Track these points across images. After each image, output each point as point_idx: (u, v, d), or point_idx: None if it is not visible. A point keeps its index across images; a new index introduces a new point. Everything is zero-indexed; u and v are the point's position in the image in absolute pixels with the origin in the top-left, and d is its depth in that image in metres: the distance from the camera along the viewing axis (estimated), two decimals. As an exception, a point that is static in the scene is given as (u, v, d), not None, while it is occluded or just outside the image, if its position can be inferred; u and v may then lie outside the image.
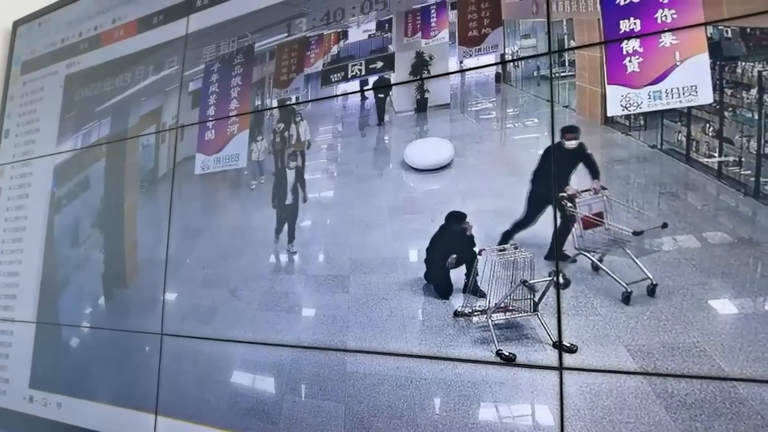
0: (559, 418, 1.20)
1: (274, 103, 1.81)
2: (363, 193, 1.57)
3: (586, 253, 1.27)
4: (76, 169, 2.34)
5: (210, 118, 1.94)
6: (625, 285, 1.20)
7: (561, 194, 1.28)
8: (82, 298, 2.16)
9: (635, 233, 1.21)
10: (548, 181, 1.30)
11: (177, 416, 1.77)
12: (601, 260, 1.25)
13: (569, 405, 1.19)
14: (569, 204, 1.28)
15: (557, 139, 1.31)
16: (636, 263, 1.20)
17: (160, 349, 1.87)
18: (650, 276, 1.18)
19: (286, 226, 1.69)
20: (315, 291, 1.58)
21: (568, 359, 1.21)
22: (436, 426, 1.32)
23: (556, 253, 1.27)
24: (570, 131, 1.30)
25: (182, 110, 2.04)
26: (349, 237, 1.56)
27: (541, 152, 1.33)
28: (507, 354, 1.27)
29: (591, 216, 1.27)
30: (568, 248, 1.29)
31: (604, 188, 1.25)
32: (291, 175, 1.72)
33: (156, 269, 1.95)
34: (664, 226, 1.18)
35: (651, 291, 1.18)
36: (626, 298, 1.20)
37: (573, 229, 1.28)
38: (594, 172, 1.27)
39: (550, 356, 1.23)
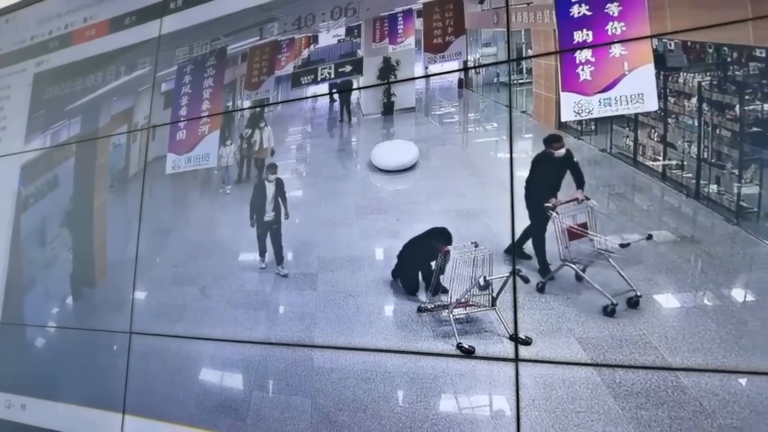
0: (515, 407, 1.25)
1: (246, 105, 1.84)
2: (331, 192, 1.61)
3: (571, 265, 1.31)
4: (44, 168, 2.32)
5: (182, 119, 1.96)
6: (610, 297, 1.23)
7: (546, 204, 1.33)
8: (49, 297, 2.14)
9: (622, 245, 1.24)
10: (541, 188, 1.34)
11: (145, 415, 1.77)
12: (583, 271, 1.29)
13: (525, 395, 1.25)
14: (555, 214, 1.32)
15: (542, 148, 1.35)
16: (621, 275, 1.23)
17: (128, 347, 1.87)
18: (635, 288, 1.21)
19: (270, 246, 1.67)
20: (284, 289, 1.61)
21: (524, 351, 1.27)
22: (399, 418, 1.36)
23: (513, 250, 1.33)
24: (555, 140, 1.34)
25: (154, 110, 2.05)
26: (317, 236, 1.60)
27: (503, 156, 1.39)
28: (467, 347, 1.33)
29: (576, 227, 1.32)
30: (554, 260, 1.32)
31: (587, 198, 1.30)
32: (270, 189, 1.72)
33: (125, 268, 1.95)
34: (649, 237, 1.22)
35: (634, 303, 1.21)
36: (611, 312, 1.22)
37: (558, 240, 1.32)
38: (579, 182, 1.31)
39: (507, 349, 1.29)
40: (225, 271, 1.73)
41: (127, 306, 1.91)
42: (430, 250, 1.42)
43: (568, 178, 1.33)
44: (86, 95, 2.26)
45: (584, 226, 1.30)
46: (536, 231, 1.33)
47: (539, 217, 1.33)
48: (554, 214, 1.32)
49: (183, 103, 1.97)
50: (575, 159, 1.32)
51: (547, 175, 1.34)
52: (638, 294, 1.20)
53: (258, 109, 1.81)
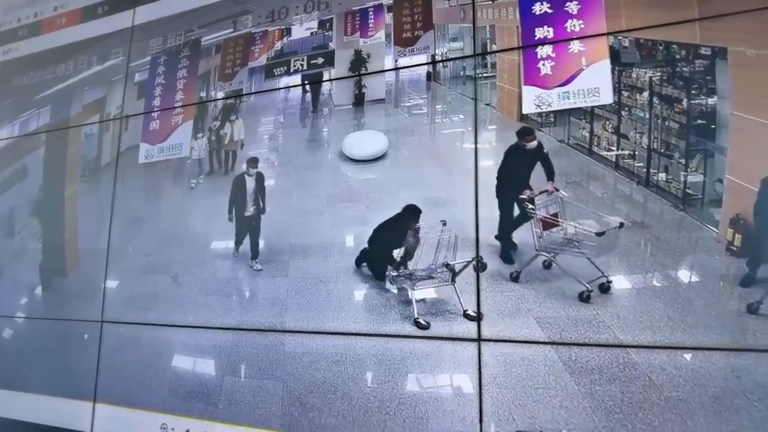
0: (477, 385, 1.31)
1: (219, 95, 1.86)
2: (303, 182, 1.65)
3: (545, 254, 1.37)
4: (12, 158, 2.29)
5: (155, 109, 1.96)
6: (586, 284, 1.28)
7: (521, 196, 1.39)
8: (17, 288, 2.11)
9: (598, 234, 1.30)
10: (512, 179, 1.40)
11: (116, 402, 1.77)
12: (554, 259, 1.35)
13: (486, 373, 1.31)
14: (530, 206, 1.38)
15: (514, 140, 1.41)
16: (591, 262, 1.29)
17: (99, 336, 1.87)
18: (605, 274, 1.27)
19: (248, 239, 1.69)
20: (256, 275, 1.64)
21: (486, 331, 1.33)
22: (368, 398, 1.41)
23: (477, 236, 1.39)
24: (528, 133, 1.40)
25: (127, 100, 2.05)
26: (289, 224, 1.63)
27: (469, 146, 1.45)
28: (423, 322, 1.39)
29: (549, 217, 1.38)
30: (530, 249, 1.38)
31: (556, 189, 1.37)
32: (251, 183, 1.72)
33: (97, 257, 1.94)
34: (621, 226, 1.28)
35: (606, 288, 1.26)
36: (587, 298, 1.27)
37: (533, 231, 1.38)
38: (549, 173, 1.37)
39: (470, 329, 1.35)
40: (197, 259, 1.75)
41: (99, 295, 1.90)
42: (402, 228, 1.47)
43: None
44: (56, 85, 2.24)
45: (556, 216, 1.37)
46: (504, 219, 1.39)
47: (508, 207, 1.39)
48: (531, 206, 1.37)
49: (156, 93, 1.98)
50: (545, 151, 1.39)
51: (519, 167, 1.40)
52: (609, 280, 1.26)
53: (229, 102, 1.83)
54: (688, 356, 1.17)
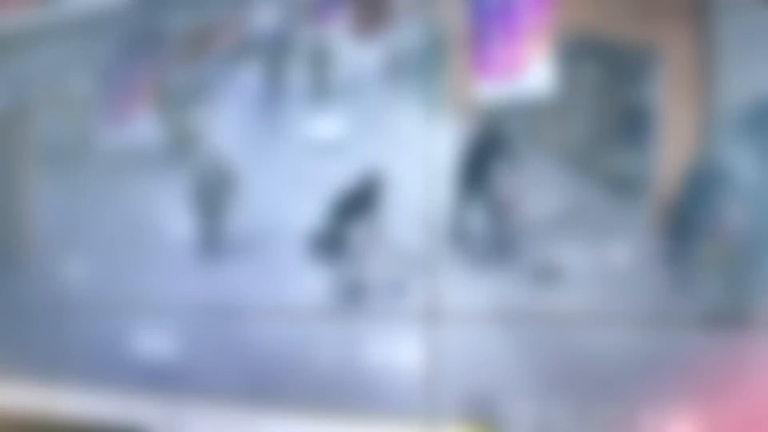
0: (428, 363, 1.38)
1: (180, 83, 1.88)
2: (261, 165, 1.68)
3: (503, 237, 1.41)
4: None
5: (116, 94, 1.96)
6: (542, 264, 1.34)
7: (480, 183, 1.44)
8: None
9: (555, 218, 1.35)
10: (471, 166, 1.45)
11: (76, 386, 1.79)
12: (510, 241, 1.40)
13: (439, 352, 1.38)
14: (489, 191, 1.43)
15: (469, 129, 1.45)
16: (543, 243, 1.34)
17: (58, 320, 1.87)
18: (556, 254, 1.33)
19: (211, 223, 1.71)
20: (218, 258, 1.68)
21: (437, 309, 1.40)
22: (324, 379, 1.47)
23: (428, 220, 1.46)
24: (489, 122, 1.44)
25: (90, 84, 2.04)
26: (251, 207, 1.67)
27: (419, 133, 1.52)
28: (362, 293, 1.47)
29: (506, 201, 1.41)
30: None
31: (512, 176, 1.41)
32: (214, 170, 1.73)
33: (53, 245, 1.94)
34: (572, 211, 1.33)
35: (557, 269, 1.32)
36: (542, 276, 1.33)
37: (492, 215, 1.42)
38: (507, 160, 1.42)
39: (423, 307, 1.42)
40: (159, 242, 1.77)
41: (57, 280, 1.90)
42: (361, 199, 1.53)
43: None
44: (11, 67, 2.20)
45: (512, 200, 1.41)
46: (463, 203, 1.45)
47: (466, 192, 1.44)
48: (490, 191, 1.44)
49: (117, 77, 1.98)
50: (504, 140, 1.45)
51: (478, 154, 1.46)
52: (560, 259, 1.33)
53: (188, 90, 1.85)
54: (619, 331, 1.26)
